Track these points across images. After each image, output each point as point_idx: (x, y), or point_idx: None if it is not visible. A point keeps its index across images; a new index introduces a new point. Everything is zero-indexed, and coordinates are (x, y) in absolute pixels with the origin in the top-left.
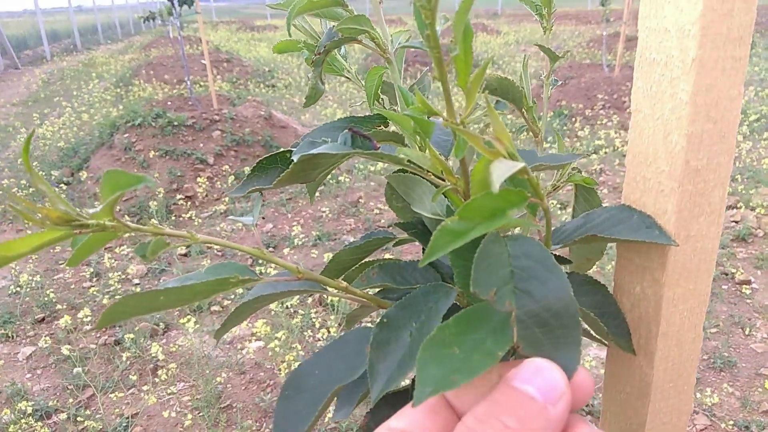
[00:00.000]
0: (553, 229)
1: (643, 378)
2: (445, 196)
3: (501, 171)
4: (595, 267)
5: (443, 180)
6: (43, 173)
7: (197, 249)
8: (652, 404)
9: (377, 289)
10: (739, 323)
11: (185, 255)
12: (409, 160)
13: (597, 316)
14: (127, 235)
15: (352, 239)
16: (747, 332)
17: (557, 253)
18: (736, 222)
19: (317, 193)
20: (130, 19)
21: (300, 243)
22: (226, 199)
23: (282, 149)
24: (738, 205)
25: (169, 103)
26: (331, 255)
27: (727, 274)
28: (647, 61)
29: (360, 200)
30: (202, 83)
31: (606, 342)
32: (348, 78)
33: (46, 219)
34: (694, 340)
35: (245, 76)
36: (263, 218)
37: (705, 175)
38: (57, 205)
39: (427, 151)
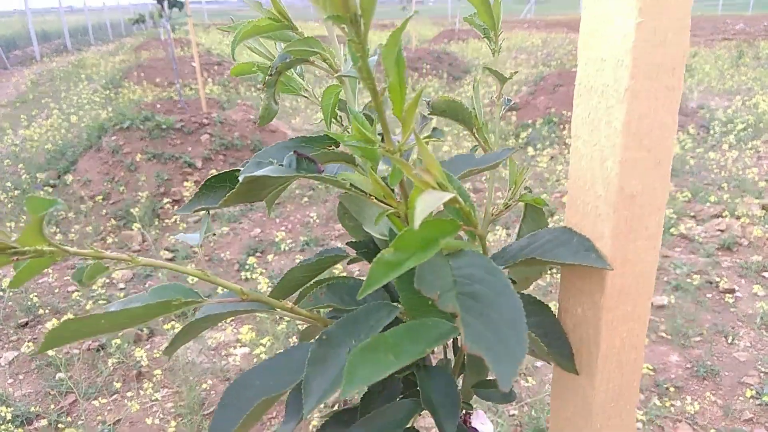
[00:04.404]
0: (498, 249)
1: (585, 398)
2: (390, 219)
3: (426, 204)
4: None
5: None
6: (29, 176)
7: (183, 254)
8: (595, 424)
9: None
10: (722, 332)
11: (171, 260)
12: (351, 184)
13: (540, 336)
14: (110, 240)
15: (339, 245)
16: (730, 341)
17: None
18: (722, 231)
19: (305, 198)
20: (122, 20)
21: (287, 248)
22: None
23: (231, 169)
24: (723, 214)
25: (158, 105)
26: None
27: (711, 283)
28: (586, 88)
29: None
30: (192, 86)
31: (548, 361)
32: (306, 97)
33: None
34: (635, 361)
35: (236, 79)
36: (252, 222)
37: (640, 201)
38: None
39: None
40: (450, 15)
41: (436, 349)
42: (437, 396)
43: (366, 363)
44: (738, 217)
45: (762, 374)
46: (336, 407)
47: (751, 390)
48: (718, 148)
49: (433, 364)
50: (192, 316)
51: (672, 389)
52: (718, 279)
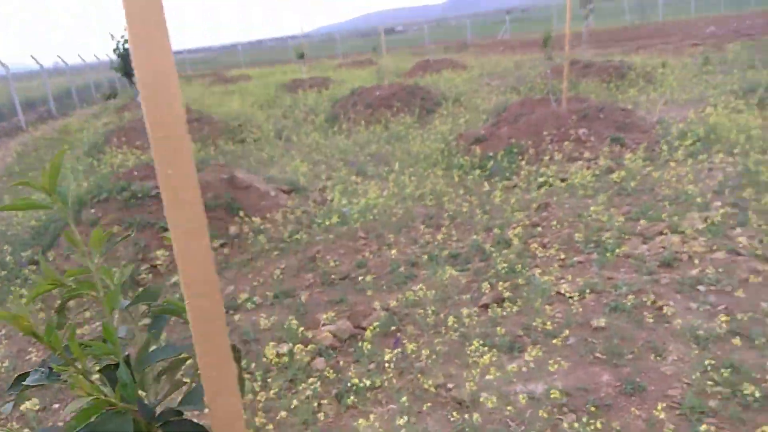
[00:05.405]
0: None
1: None
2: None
3: (71, 407)
4: None
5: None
6: (13, 256)
7: None
8: None
9: None
10: (653, 348)
11: None
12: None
13: None
14: (88, 314)
15: (305, 295)
16: (659, 356)
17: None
18: (664, 248)
19: (277, 251)
20: (104, 78)
21: (256, 304)
22: None
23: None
24: (664, 231)
25: (135, 173)
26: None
27: (648, 301)
28: None
29: (318, 254)
30: None
31: None
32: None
33: None
34: None
35: (215, 133)
36: (226, 280)
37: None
38: None
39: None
40: (427, 42)
41: None
42: None
43: None
44: (681, 232)
45: (685, 385)
46: None
47: (674, 401)
48: (668, 165)
49: None
50: None
51: (594, 408)
52: (654, 297)
